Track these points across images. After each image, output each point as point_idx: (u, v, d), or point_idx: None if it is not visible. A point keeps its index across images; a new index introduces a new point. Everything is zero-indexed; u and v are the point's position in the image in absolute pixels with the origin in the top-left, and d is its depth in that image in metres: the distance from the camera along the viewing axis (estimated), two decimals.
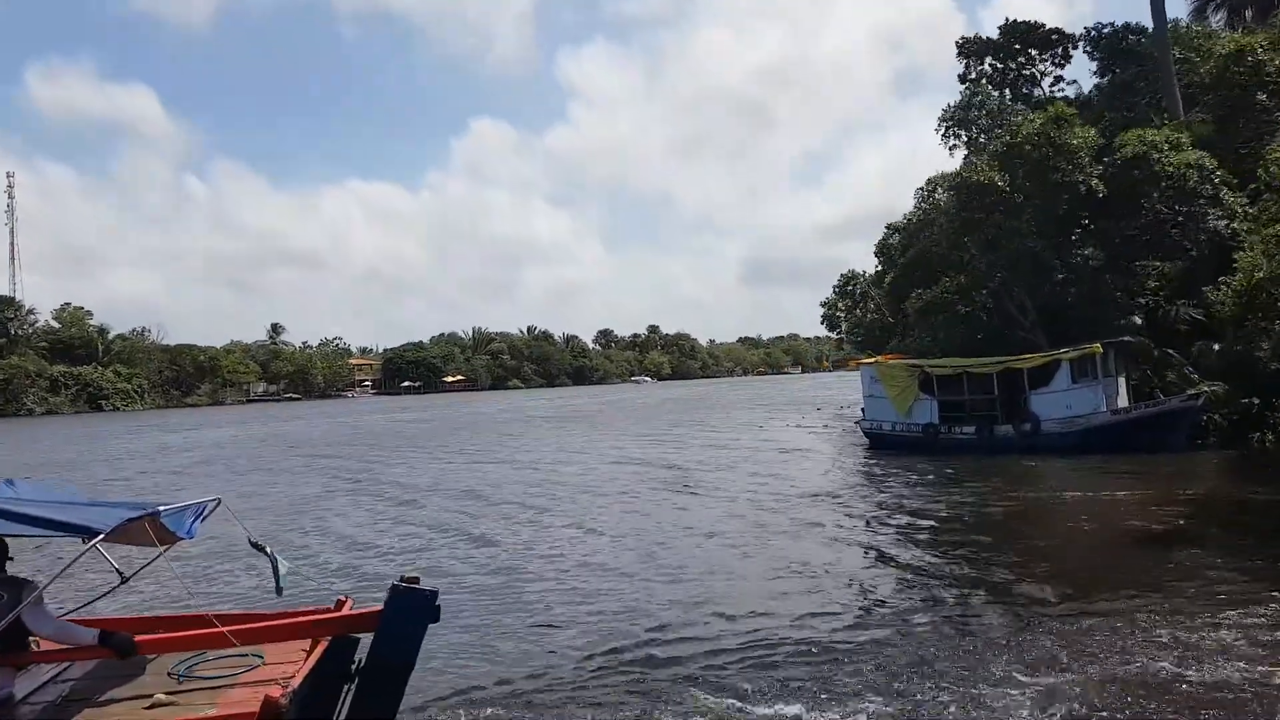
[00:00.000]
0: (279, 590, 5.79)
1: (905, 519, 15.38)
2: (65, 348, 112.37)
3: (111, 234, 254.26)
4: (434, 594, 5.27)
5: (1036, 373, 24.15)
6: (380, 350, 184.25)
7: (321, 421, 65.16)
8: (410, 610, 5.22)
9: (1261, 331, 22.68)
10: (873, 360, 28.02)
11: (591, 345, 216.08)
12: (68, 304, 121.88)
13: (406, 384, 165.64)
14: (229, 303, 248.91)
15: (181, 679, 5.15)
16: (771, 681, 7.61)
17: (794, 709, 6.96)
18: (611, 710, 7.14)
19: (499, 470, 26.13)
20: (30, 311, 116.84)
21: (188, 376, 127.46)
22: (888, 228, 43.28)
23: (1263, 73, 26.30)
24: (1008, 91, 32.95)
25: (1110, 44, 29.81)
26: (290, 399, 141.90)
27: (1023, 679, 7.30)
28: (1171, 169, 23.82)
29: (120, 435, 55.81)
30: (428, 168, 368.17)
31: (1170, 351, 25.40)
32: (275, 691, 4.44)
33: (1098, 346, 23.20)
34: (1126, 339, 24.17)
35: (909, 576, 11.36)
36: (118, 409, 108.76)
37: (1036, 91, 33.29)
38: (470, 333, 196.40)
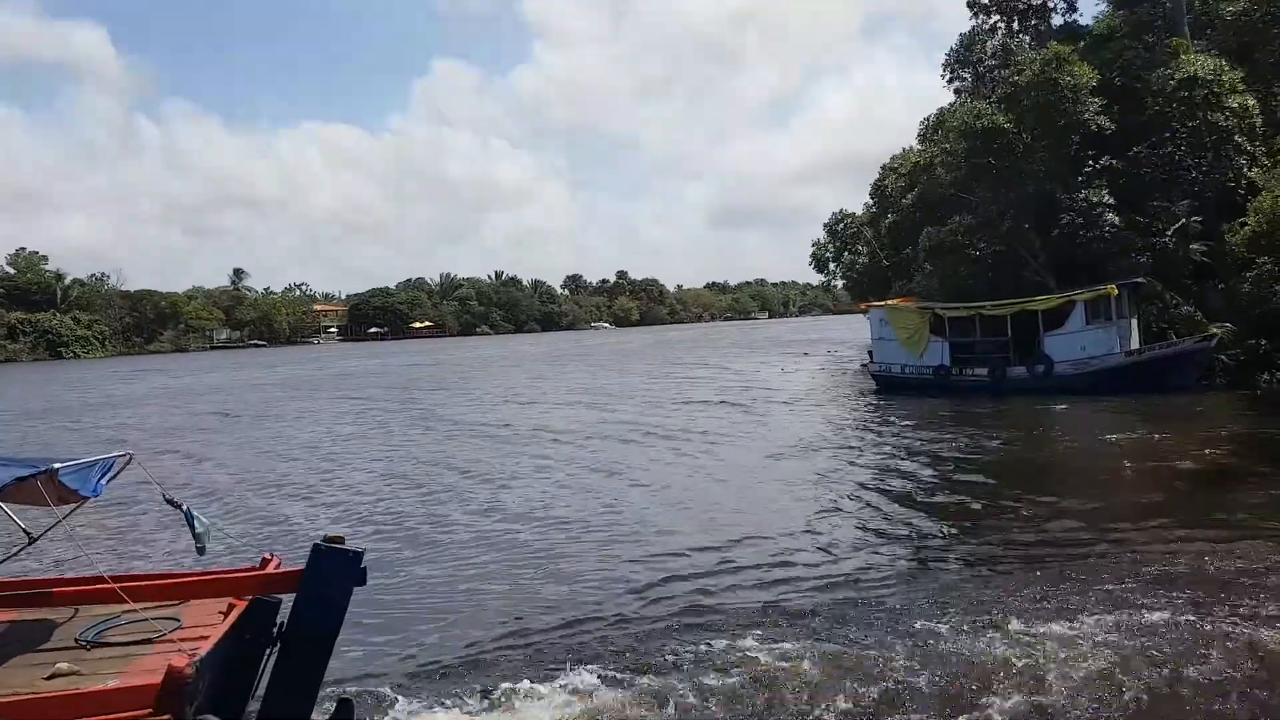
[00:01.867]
0: (200, 550, 5.51)
1: (920, 461, 15.32)
2: (21, 294, 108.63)
3: (61, 177, 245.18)
4: (359, 555, 5.01)
5: (1051, 314, 24.21)
6: (343, 296, 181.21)
7: (309, 366, 63.83)
8: (333, 571, 4.96)
9: (1272, 274, 22.91)
10: (882, 303, 27.86)
11: (560, 291, 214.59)
12: (22, 249, 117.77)
13: (374, 330, 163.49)
14: (185, 247, 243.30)
15: (89, 645, 4.81)
16: (776, 629, 7.55)
17: (801, 649, 6.89)
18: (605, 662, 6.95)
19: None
20: None
21: (149, 323, 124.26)
22: (883, 168, 42.98)
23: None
24: (1015, 23, 32.46)
25: None
26: (255, 346, 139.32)
27: (1033, 626, 7.14)
28: (1229, 107, 23.61)
29: (112, 380, 54.37)
30: (389, 109, 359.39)
31: (1174, 295, 25.65)
32: (181, 660, 4.11)
33: (1113, 288, 23.27)
34: (1139, 280, 24.25)
35: (926, 519, 11.23)
36: (78, 356, 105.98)
37: (1051, 22, 32.83)
38: (437, 279, 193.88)
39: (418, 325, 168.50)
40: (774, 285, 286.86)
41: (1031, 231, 26.82)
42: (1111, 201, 24.96)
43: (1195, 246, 25.68)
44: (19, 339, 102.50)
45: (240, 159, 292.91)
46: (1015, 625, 7.14)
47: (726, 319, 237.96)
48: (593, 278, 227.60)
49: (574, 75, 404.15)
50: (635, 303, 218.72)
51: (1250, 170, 25.12)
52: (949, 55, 31.17)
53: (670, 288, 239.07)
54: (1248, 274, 23.49)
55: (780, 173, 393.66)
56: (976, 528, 10.70)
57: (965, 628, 7.14)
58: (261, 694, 5.12)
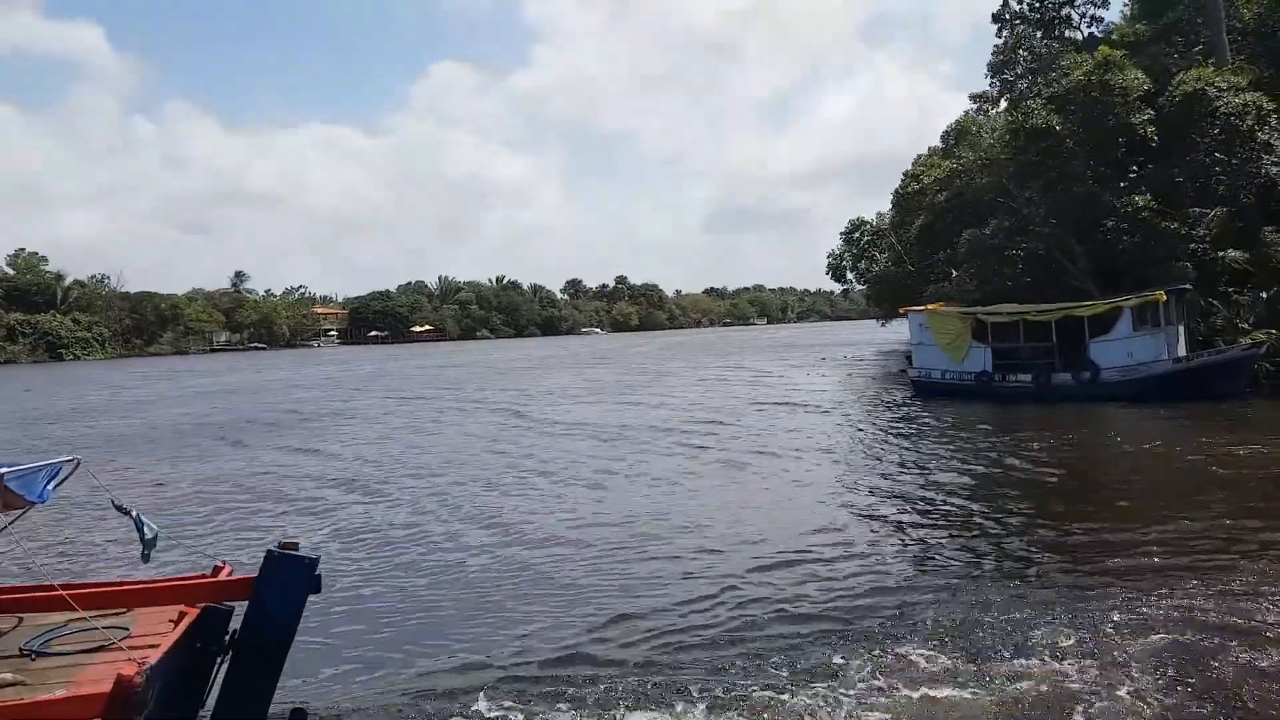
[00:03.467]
0: (145, 557, 5.40)
1: (969, 470, 14.78)
2: (21, 294, 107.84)
3: (59, 175, 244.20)
4: (313, 562, 4.93)
5: (1097, 320, 23.95)
6: (340, 298, 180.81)
7: (333, 368, 63.45)
8: (287, 578, 4.88)
9: None
10: (922, 308, 27.60)
11: (560, 295, 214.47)
12: (22, 249, 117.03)
13: (374, 333, 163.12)
14: (183, 246, 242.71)
15: (35, 656, 4.67)
16: (819, 632, 7.33)
17: (847, 664, 6.60)
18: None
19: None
20: None
21: (149, 325, 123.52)
22: (905, 174, 42.88)
23: None
24: (1039, 33, 32.37)
25: None
26: (255, 348, 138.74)
27: (1074, 644, 6.77)
28: (1228, 110, 23.46)
29: (138, 383, 53.64)
30: (388, 110, 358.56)
31: (1212, 301, 25.49)
32: (130, 669, 4.00)
33: (1161, 294, 23.02)
34: (1186, 286, 24.05)
35: (967, 532, 10.67)
36: (77, 358, 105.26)
37: (1069, 33, 32.75)
38: (437, 282, 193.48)
39: (418, 329, 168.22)
40: (772, 291, 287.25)
41: (1072, 235, 26.61)
42: (1156, 206, 24.74)
43: (1234, 253, 25.53)
44: (18, 340, 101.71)
45: (239, 158, 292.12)
46: (1065, 644, 6.76)
47: (725, 324, 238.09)
48: (591, 280, 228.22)
49: (573, 75, 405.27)
50: (635, 308, 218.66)
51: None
52: (990, 66, 31.09)
53: (669, 292, 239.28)
54: None
55: (779, 175, 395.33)
56: (1032, 540, 10.13)
57: (1021, 647, 6.80)
58: (213, 703, 5.03)
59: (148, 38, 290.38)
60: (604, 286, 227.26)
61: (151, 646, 4.52)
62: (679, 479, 14.98)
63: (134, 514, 5.37)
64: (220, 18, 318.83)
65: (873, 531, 10.83)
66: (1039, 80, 28.26)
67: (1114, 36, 28.15)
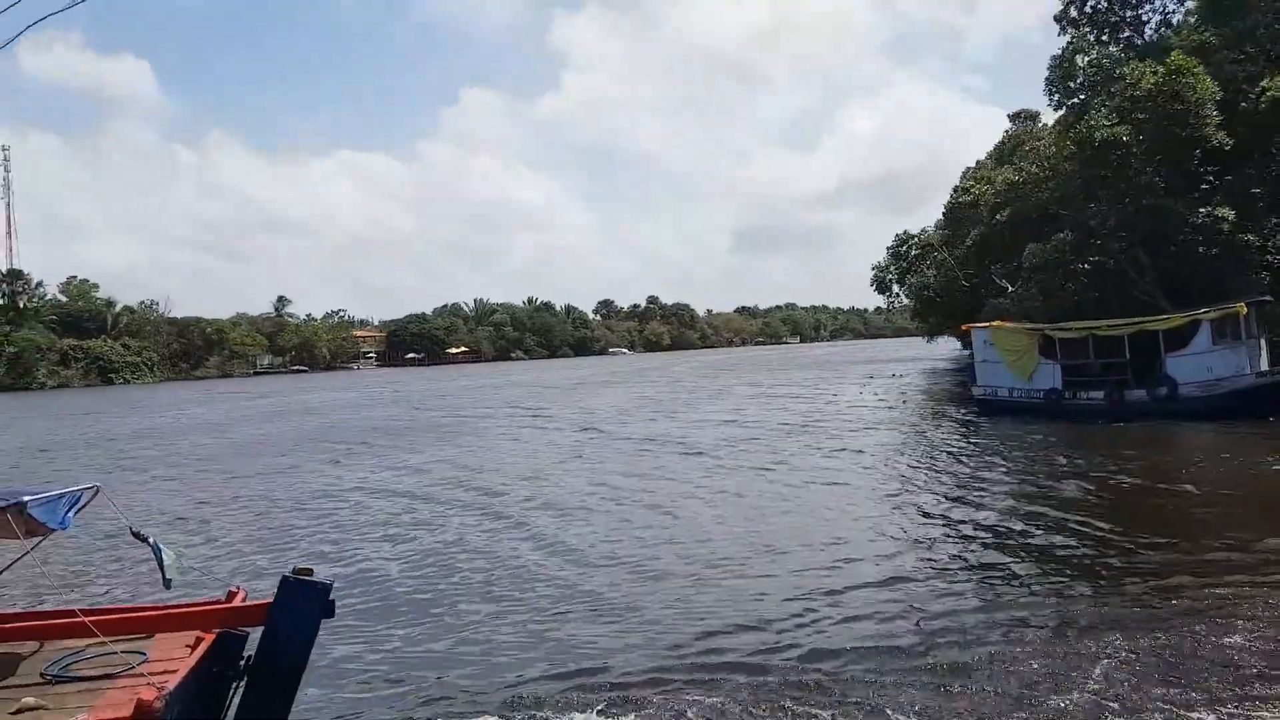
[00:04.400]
0: (166, 583, 5.53)
1: (1040, 492, 14.17)
2: (73, 320, 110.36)
3: (102, 206, 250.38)
4: (327, 587, 4.97)
5: (1173, 334, 23.35)
6: (376, 321, 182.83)
7: (392, 390, 64.04)
8: (301, 604, 4.94)
9: None
10: (986, 324, 27.13)
11: (592, 316, 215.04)
12: (74, 276, 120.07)
13: (411, 355, 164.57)
14: (221, 273, 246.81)
15: (55, 680, 4.75)
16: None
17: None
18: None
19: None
20: (39, 285, 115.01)
21: (196, 349, 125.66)
22: (956, 189, 42.49)
23: None
24: (1105, 35, 31.87)
25: None
26: (298, 371, 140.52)
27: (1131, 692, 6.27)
28: None
29: (199, 404, 54.48)
30: (417, 137, 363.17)
31: None
32: (149, 693, 4.08)
33: (1241, 306, 22.38)
34: (1266, 298, 23.39)
35: (1043, 563, 10.05)
36: (127, 381, 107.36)
37: (1135, 38, 32.21)
38: (472, 304, 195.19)
39: (454, 351, 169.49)
40: (804, 309, 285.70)
41: (1140, 248, 26.05)
42: (1233, 218, 24.15)
43: None
44: (71, 365, 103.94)
45: (274, 186, 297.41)
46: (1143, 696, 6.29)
47: (758, 343, 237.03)
48: (619, 300, 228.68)
49: (598, 99, 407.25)
50: (667, 328, 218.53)
51: None
52: (1049, 77, 30.62)
53: (699, 311, 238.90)
54: None
55: (803, 194, 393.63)
56: (1110, 572, 9.47)
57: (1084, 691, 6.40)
58: None
59: (187, 70, 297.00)
60: (635, 307, 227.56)
61: (170, 672, 4.56)
62: (752, 499, 14.79)
63: (151, 540, 5.44)
64: (255, 48, 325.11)
65: (938, 559, 10.41)
66: (1101, 90, 27.70)
67: (1178, 42, 27.53)
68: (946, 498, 14.24)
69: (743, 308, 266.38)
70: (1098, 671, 6.68)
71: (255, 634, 5.01)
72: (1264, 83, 24.20)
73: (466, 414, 37.76)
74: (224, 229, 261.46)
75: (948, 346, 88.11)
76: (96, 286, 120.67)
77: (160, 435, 33.73)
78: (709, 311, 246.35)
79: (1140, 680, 6.51)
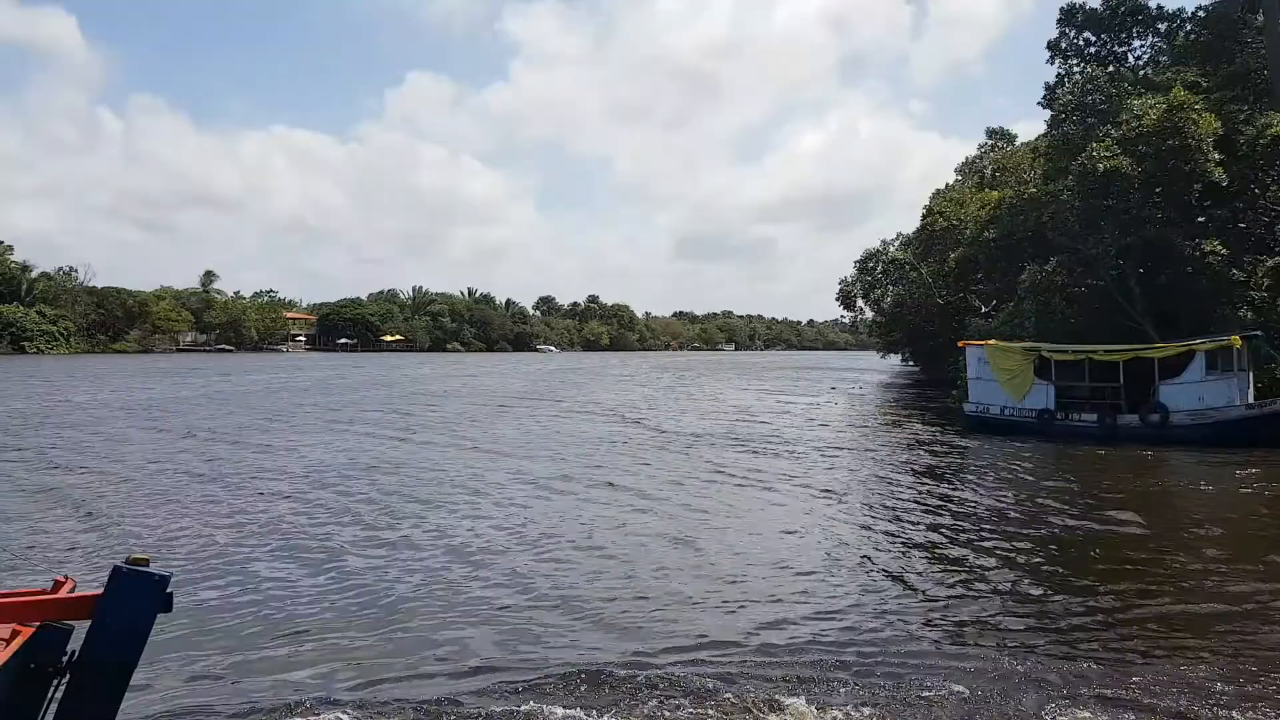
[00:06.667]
0: None
1: (1038, 512, 13.92)
2: None
3: (19, 164, 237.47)
4: (164, 579, 4.62)
5: (1167, 363, 23.83)
6: (304, 304, 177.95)
7: (356, 375, 61.61)
8: (134, 597, 4.59)
9: None
10: (981, 342, 27.29)
11: (532, 312, 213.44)
12: None
13: (343, 341, 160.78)
14: (144, 244, 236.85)
15: None
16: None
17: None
18: None
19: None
20: None
21: (115, 322, 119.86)
22: (927, 208, 42.99)
23: None
24: (1092, 68, 32.55)
25: (1221, 29, 29.52)
26: (222, 350, 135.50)
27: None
28: None
29: (141, 383, 51.42)
30: (359, 118, 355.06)
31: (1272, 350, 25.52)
32: None
33: (1236, 339, 22.94)
34: (1257, 332, 24.03)
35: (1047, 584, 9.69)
36: (41, 351, 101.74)
37: (1123, 70, 32.95)
38: (411, 292, 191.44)
39: (388, 338, 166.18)
40: (740, 318, 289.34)
41: (1133, 277, 26.55)
42: (1224, 252, 24.78)
43: None
44: None
45: (205, 157, 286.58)
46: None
47: (694, 348, 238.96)
48: (560, 298, 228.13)
49: (550, 95, 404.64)
50: (606, 328, 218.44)
51: None
52: (1044, 99, 31.11)
53: (639, 313, 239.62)
54: None
55: (746, 206, 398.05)
56: (1109, 596, 9.22)
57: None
58: None
59: (119, 29, 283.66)
60: (576, 305, 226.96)
61: None
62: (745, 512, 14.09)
63: None
64: (189, 10, 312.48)
65: (921, 578, 9.99)
66: (1092, 119, 28.22)
67: (1167, 80, 28.22)
68: (951, 514, 13.81)
69: (681, 312, 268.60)
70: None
71: (83, 628, 4.54)
72: (1267, 118, 24.86)
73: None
74: (150, 199, 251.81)
75: (889, 362, 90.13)
76: (11, 249, 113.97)
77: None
78: (648, 314, 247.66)
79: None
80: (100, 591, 4.56)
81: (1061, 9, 32.44)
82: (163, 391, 41.33)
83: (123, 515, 13.13)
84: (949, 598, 9.12)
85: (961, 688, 6.66)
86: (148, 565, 4.61)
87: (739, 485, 16.30)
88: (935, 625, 8.24)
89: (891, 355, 72.97)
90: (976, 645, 7.70)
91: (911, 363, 67.29)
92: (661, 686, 6.72)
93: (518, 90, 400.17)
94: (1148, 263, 26.21)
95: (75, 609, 4.61)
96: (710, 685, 6.70)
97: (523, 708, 6.30)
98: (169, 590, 4.60)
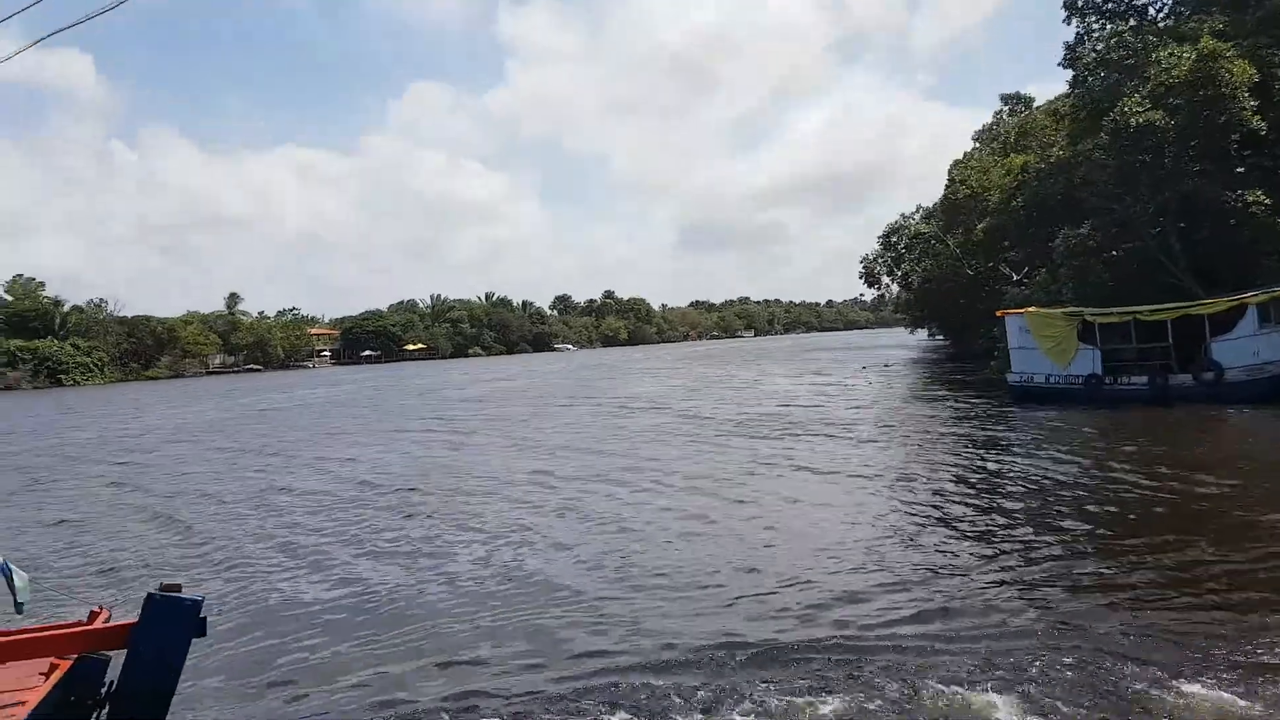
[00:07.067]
0: (18, 608, 5.18)
1: (1101, 483, 13.58)
2: (19, 321, 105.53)
3: (43, 202, 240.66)
4: (197, 604, 4.69)
5: (1217, 319, 23.37)
6: (326, 319, 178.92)
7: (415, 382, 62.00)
8: (168, 624, 4.64)
9: None
10: (1021, 310, 26.91)
11: (549, 312, 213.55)
12: (19, 275, 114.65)
13: (367, 353, 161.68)
14: (166, 271, 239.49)
15: None
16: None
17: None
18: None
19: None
20: None
21: (146, 349, 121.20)
22: (951, 178, 42.41)
23: None
24: (1111, 24, 31.93)
25: None
26: (251, 370, 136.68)
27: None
28: None
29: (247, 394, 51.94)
30: (363, 131, 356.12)
31: None
32: None
33: None
34: None
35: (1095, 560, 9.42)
36: (77, 383, 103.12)
37: (1144, 24, 32.31)
38: (430, 300, 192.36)
39: (411, 348, 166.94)
40: (757, 304, 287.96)
41: (1172, 233, 26.07)
42: (1268, 202, 24.25)
43: None
44: (18, 366, 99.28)
45: (216, 181, 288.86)
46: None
47: (714, 337, 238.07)
48: (575, 296, 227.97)
49: (548, 95, 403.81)
50: (623, 322, 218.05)
51: None
52: (1064, 59, 30.56)
53: (655, 306, 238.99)
54: None
55: (752, 193, 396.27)
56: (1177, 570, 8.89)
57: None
58: None
59: (129, 63, 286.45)
60: (592, 302, 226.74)
61: (19, 703, 4.29)
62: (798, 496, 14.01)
63: (1, 561, 5.08)
64: (193, 42, 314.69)
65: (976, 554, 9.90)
66: (1118, 75, 27.68)
67: (1192, 29, 27.60)
68: (1021, 488, 13.58)
69: (697, 302, 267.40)
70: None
71: (120, 658, 4.61)
72: None
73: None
74: (167, 226, 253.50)
75: (916, 337, 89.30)
76: (43, 285, 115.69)
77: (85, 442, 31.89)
78: (664, 306, 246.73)
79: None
80: (135, 620, 4.62)
81: None
82: (216, 414, 41.67)
83: (179, 539, 13.19)
84: (1041, 573, 8.99)
85: (1069, 660, 6.57)
86: (179, 591, 4.66)
87: (808, 471, 16.14)
88: (1038, 600, 8.11)
89: (919, 330, 72.18)
90: (1076, 617, 7.59)
91: (940, 336, 66.66)
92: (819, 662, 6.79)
93: (515, 91, 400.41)
94: (1187, 218, 25.69)
95: (111, 639, 4.69)
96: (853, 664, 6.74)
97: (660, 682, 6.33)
98: (202, 615, 4.67)
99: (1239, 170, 25.31)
